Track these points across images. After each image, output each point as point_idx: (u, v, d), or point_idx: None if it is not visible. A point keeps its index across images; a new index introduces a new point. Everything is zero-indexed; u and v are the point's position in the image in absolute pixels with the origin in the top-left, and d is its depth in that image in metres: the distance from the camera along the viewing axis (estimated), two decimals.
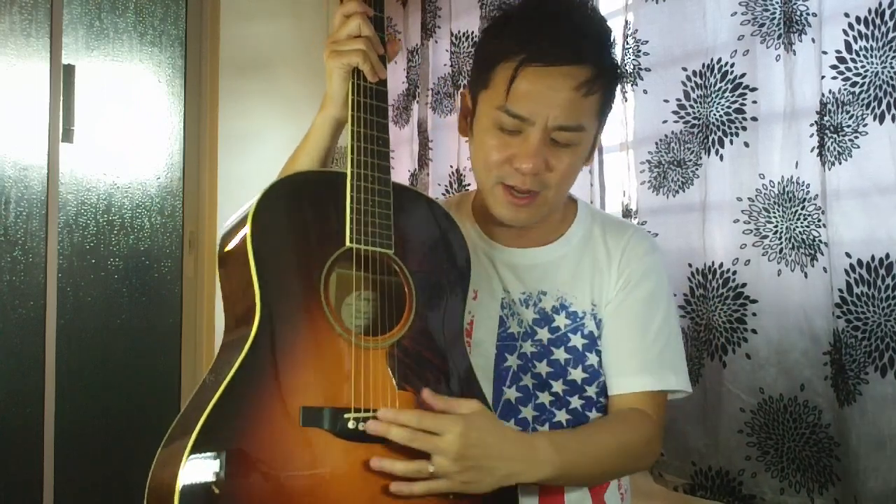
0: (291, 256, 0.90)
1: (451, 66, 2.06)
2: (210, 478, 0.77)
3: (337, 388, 0.87)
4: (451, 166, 2.07)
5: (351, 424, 0.85)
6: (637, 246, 1.10)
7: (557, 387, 1.07)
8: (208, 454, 0.78)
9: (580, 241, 1.12)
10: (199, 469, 0.77)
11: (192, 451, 0.77)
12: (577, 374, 1.07)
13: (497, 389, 1.08)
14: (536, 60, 0.97)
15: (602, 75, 1.00)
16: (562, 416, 1.07)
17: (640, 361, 1.06)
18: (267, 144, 2.42)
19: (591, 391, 1.08)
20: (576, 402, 1.07)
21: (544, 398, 1.07)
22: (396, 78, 2.32)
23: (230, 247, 0.93)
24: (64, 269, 2.20)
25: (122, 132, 2.32)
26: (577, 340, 1.07)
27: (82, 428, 2.22)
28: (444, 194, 2.09)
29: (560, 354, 1.07)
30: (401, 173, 2.31)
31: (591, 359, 1.07)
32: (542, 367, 1.07)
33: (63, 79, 2.20)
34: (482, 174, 1.06)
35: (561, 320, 1.08)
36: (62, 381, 2.19)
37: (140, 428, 2.27)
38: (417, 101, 2.21)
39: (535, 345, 1.07)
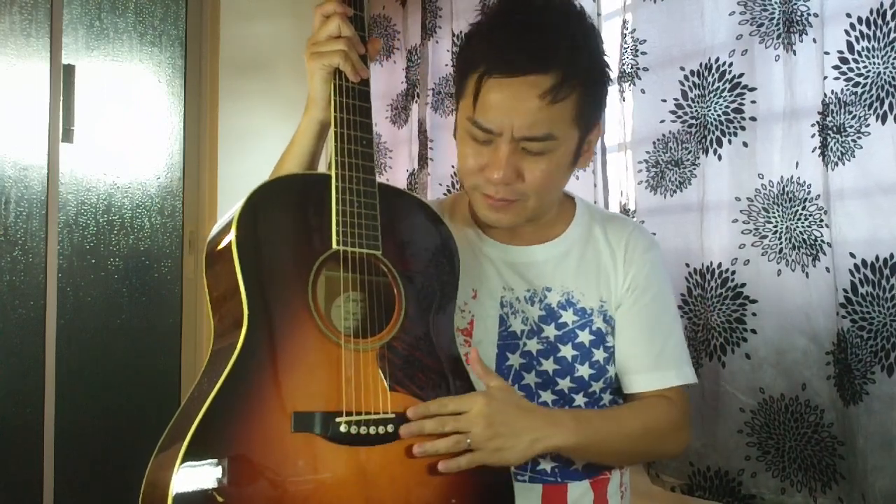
0: (278, 261, 0.90)
1: (453, 66, 2.05)
2: (202, 487, 0.77)
3: (328, 392, 0.86)
4: (453, 166, 2.07)
5: (343, 428, 0.85)
6: (639, 243, 1.11)
7: (563, 384, 1.07)
8: (200, 463, 0.77)
9: (581, 238, 1.12)
10: (190, 478, 0.77)
11: (184, 460, 0.76)
12: (584, 371, 1.07)
13: None
14: (498, 71, 0.96)
15: (571, 79, 0.96)
16: None
17: (657, 359, 1.08)
18: (267, 144, 2.42)
19: (596, 387, 1.08)
20: (580, 399, 1.08)
21: (546, 397, 1.07)
22: (395, 78, 2.32)
23: (216, 253, 0.92)
24: (64, 269, 2.20)
25: (122, 132, 2.32)
26: (584, 337, 1.08)
27: (82, 428, 2.22)
28: (444, 194, 2.09)
29: (567, 351, 1.07)
30: (399, 173, 2.31)
31: (598, 355, 1.08)
32: (549, 365, 1.07)
33: (63, 79, 2.20)
34: (463, 179, 1.07)
35: (568, 316, 1.08)
36: (62, 381, 2.19)
37: (140, 428, 2.27)
38: (417, 102, 2.21)
39: (541, 342, 1.07)
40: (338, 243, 0.91)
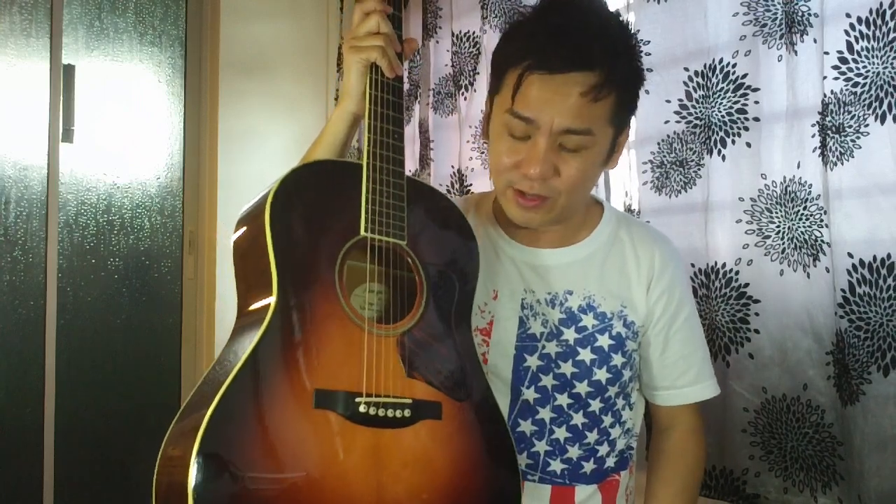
0: (308, 242, 0.92)
1: (453, 66, 2.05)
2: (223, 453, 0.78)
3: (349, 373, 0.88)
4: (453, 166, 2.07)
5: (362, 408, 0.87)
6: (668, 262, 1.13)
7: (581, 388, 1.08)
8: (223, 431, 0.79)
9: (606, 242, 1.13)
10: (213, 445, 0.78)
11: (208, 428, 0.78)
12: (601, 375, 1.08)
13: (515, 389, 1.08)
14: (541, 67, 0.97)
15: (612, 80, 0.98)
16: (578, 418, 1.09)
17: (696, 374, 1.13)
18: (267, 144, 2.42)
19: (611, 391, 1.09)
20: (595, 404, 1.09)
21: (563, 400, 1.08)
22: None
23: (247, 231, 0.94)
24: (64, 269, 2.20)
25: (122, 132, 2.32)
26: (603, 341, 1.08)
27: (82, 428, 2.22)
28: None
29: (586, 355, 1.08)
30: None
31: (616, 359, 1.09)
32: (567, 368, 1.08)
33: (63, 79, 2.19)
34: (495, 177, 1.07)
35: (588, 320, 1.09)
36: (62, 381, 2.18)
37: (140, 428, 2.27)
38: (418, 102, 2.21)
39: (560, 345, 1.08)
40: (365, 230, 0.93)
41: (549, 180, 1.01)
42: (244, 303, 0.95)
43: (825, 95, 1.30)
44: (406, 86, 2.27)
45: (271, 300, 0.86)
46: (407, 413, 0.90)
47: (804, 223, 1.34)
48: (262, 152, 2.40)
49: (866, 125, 1.25)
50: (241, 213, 0.97)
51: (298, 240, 0.91)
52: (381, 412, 0.88)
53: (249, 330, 0.88)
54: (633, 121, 1.58)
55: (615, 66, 0.99)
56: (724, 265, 1.44)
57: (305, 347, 0.87)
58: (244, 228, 0.95)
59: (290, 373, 0.85)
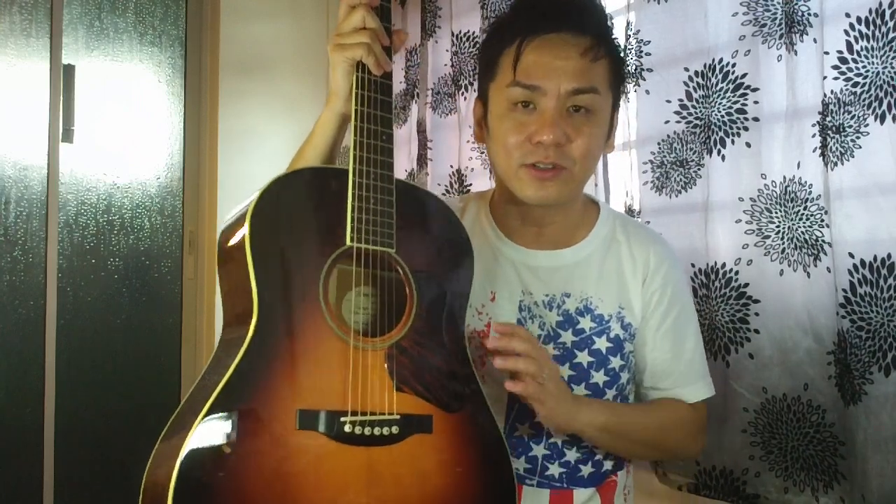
0: (290, 255, 0.88)
1: (452, 66, 2.05)
2: (205, 478, 0.77)
3: (334, 391, 0.85)
4: (452, 166, 2.07)
5: (347, 428, 0.84)
6: (662, 261, 1.12)
7: (578, 391, 1.07)
8: (203, 455, 0.77)
9: (603, 243, 1.12)
10: (193, 470, 0.77)
11: (188, 452, 0.76)
12: (599, 378, 1.07)
13: (512, 393, 1.08)
14: (536, 32, 0.98)
15: (604, 42, 1.01)
16: None
17: (684, 376, 1.12)
18: (267, 144, 2.42)
19: (609, 394, 1.09)
20: None
21: None
22: (394, 78, 2.31)
23: (228, 244, 0.91)
24: (64, 269, 2.20)
25: (122, 132, 2.32)
26: (601, 343, 1.08)
27: (82, 428, 2.22)
28: (443, 194, 2.09)
29: (583, 357, 1.07)
30: (398, 173, 2.30)
31: (614, 362, 1.08)
32: (564, 371, 1.07)
33: (63, 79, 2.19)
34: (503, 161, 1.04)
35: (586, 323, 1.08)
36: (62, 381, 2.18)
37: (140, 428, 2.27)
38: (416, 101, 2.21)
39: (557, 347, 1.07)
40: (352, 240, 0.90)
41: (563, 147, 1.00)
42: (227, 317, 0.92)
43: (825, 95, 1.29)
44: (403, 85, 2.27)
45: (252, 317, 0.83)
46: (395, 430, 0.87)
47: (804, 223, 1.34)
48: (262, 152, 2.40)
49: (866, 125, 1.25)
50: (223, 225, 0.94)
51: (280, 253, 0.87)
52: (367, 430, 0.85)
53: (231, 348, 0.85)
54: (633, 121, 1.59)
55: (604, 30, 1.04)
56: (723, 265, 1.43)
57: (288, 366, 0.84)
58: (226, 241, 0.92)
59: (272, 393, 0.82)
